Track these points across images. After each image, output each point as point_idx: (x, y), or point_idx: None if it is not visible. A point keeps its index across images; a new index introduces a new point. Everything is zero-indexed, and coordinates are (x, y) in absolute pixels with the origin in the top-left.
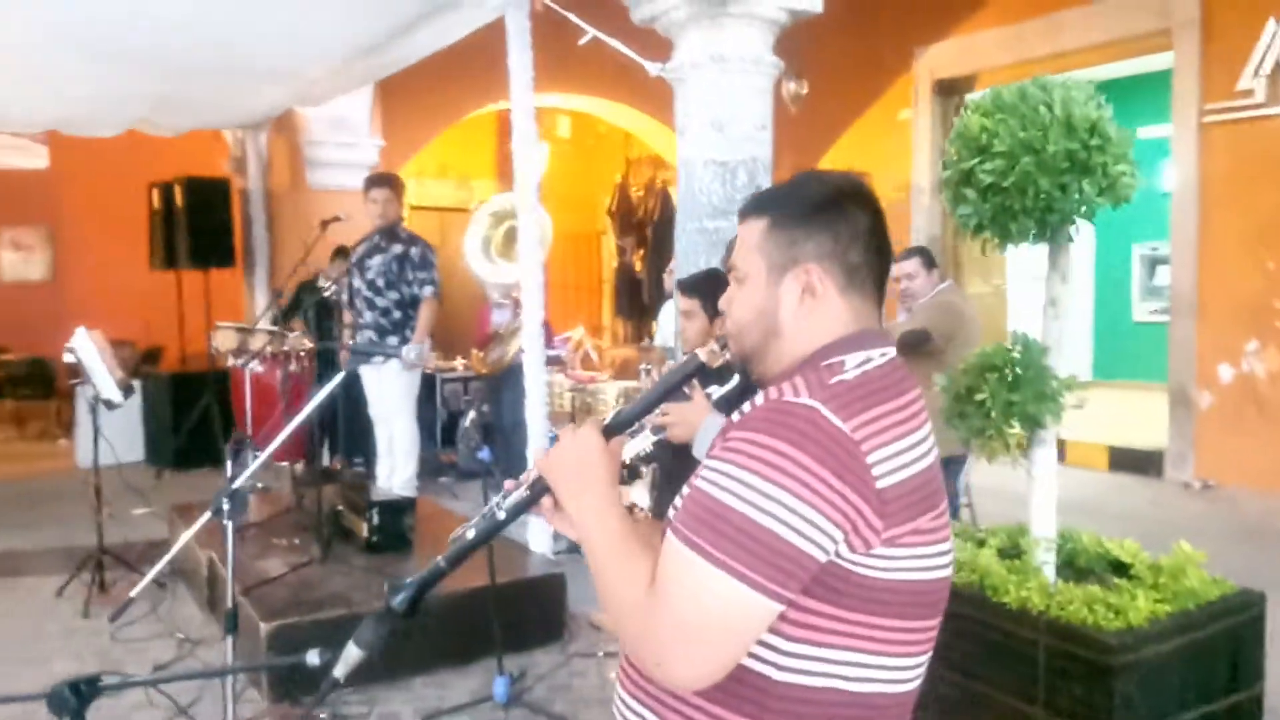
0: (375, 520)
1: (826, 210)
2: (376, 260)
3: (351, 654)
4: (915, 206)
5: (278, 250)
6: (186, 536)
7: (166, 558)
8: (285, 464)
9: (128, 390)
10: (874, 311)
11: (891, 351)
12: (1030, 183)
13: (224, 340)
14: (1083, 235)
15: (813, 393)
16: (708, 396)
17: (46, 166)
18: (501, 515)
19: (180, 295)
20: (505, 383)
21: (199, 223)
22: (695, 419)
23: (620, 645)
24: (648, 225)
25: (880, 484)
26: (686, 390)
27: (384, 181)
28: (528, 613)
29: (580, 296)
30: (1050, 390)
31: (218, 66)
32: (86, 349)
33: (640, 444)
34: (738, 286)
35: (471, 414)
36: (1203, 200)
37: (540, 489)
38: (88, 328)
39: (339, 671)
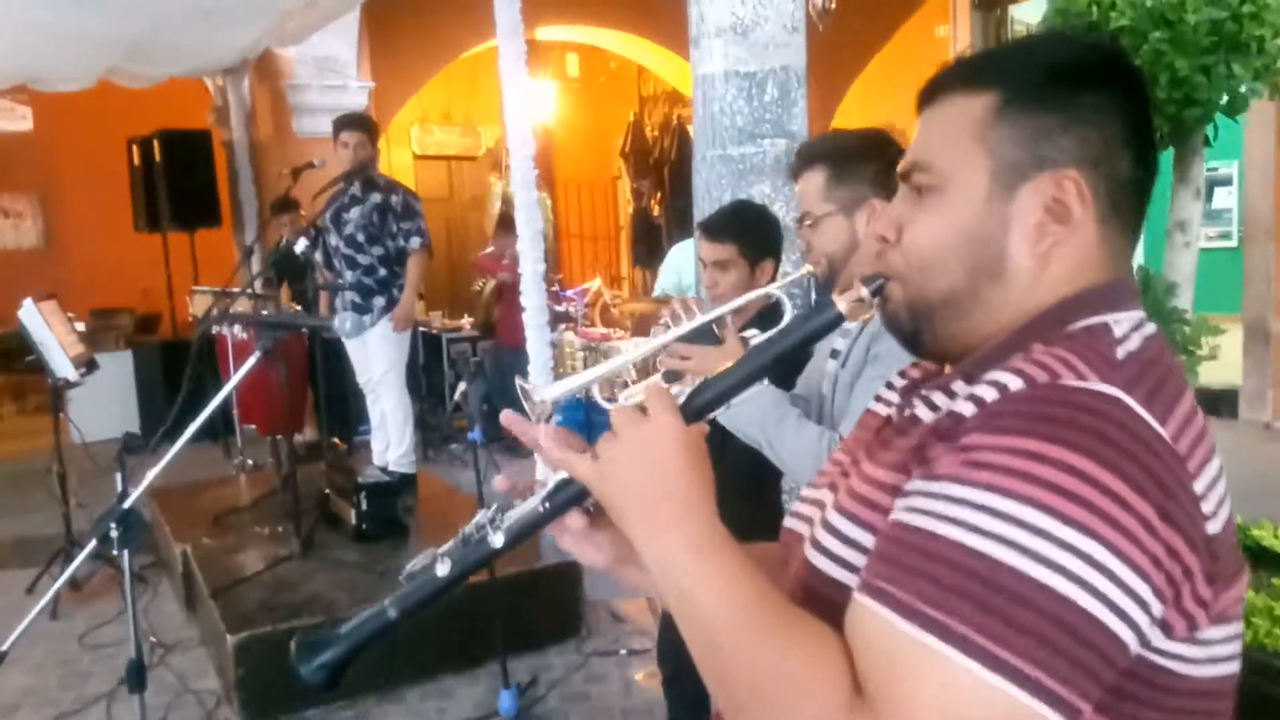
0: (364, 506)
1: (1097, 91)
2: (355, 213)
3: None
4: None
5: (267, 205)
6: (60, 584)
7: (22, 626)
8: (277, 438)
9: (88, 366)
10: (1130, 255)
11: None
12: (1164, 66)
13: (203, 306)
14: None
15: (1100, 371)
16: (744, 342)
17: (31, 129)
18: (497, 541)
19: (167, 258)
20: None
21: (180, 180)
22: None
23: None
24: (664, 166)
25: (1211, 527)
26: (716, 329)
27: (355, 122)
28: (539, 607)
29: (596, 246)
30: (1181, 337)
31: (183, 3)
32: (34, 322)
33: (643, 393)
34: (920, 200)
35: (463, 385)
36: None
37: (565, 500)
38: (83, 295)
39: None
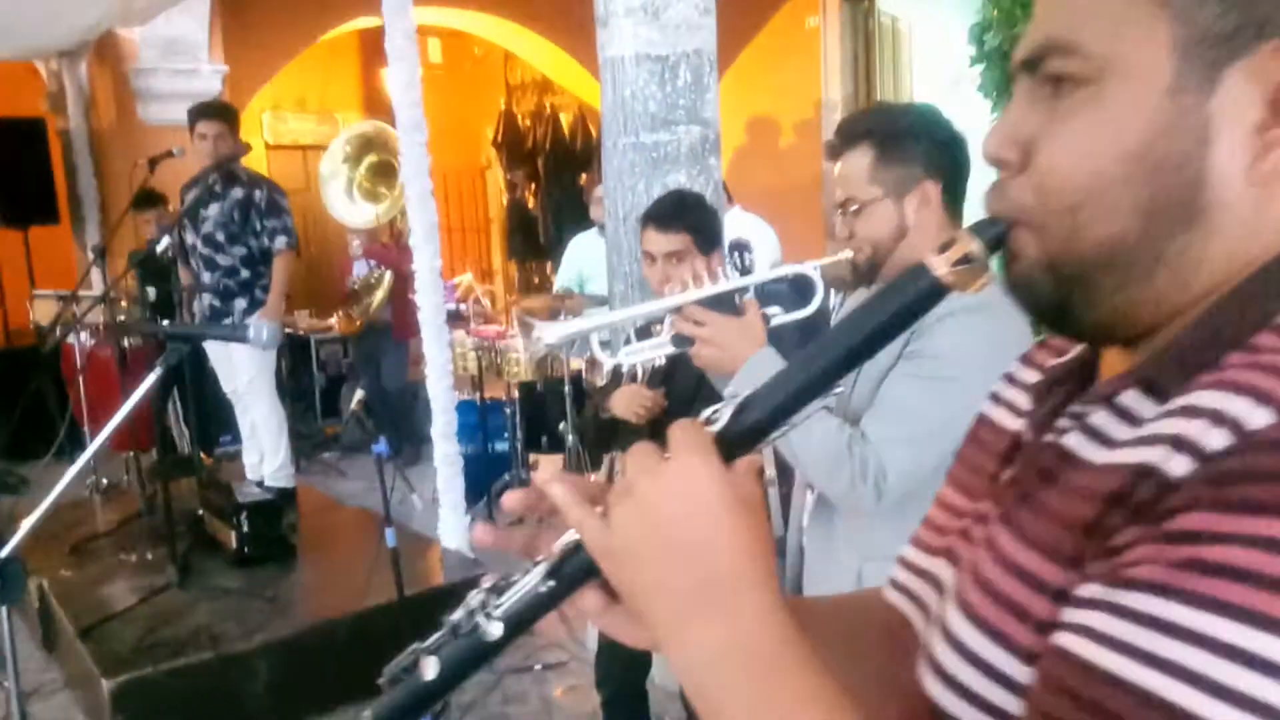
0: (246, 527)
1: None
2: (213, 209)
3: None
4: (826, 125)
5: (110, 200)
6: None
7: None
8: (132, 454)
9: None
10: None
11: None
12: None
13: (44, 311)
14: None
15: None
16: (765, 320)
17: None
18: (494, 631)
19: None
20: (381, 346)
21: (10, 172)
22: (739, 346)
23: None
24: (539, 156)
25: None
26: (737, 300)
27: (213, 111)
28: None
29: (466, 239)
30: None
31: None
32: None
33: (646, 352)
34: (1058, 100)
35: (358, 395)
36: None
37: (575, 573)
38: None
39: None
